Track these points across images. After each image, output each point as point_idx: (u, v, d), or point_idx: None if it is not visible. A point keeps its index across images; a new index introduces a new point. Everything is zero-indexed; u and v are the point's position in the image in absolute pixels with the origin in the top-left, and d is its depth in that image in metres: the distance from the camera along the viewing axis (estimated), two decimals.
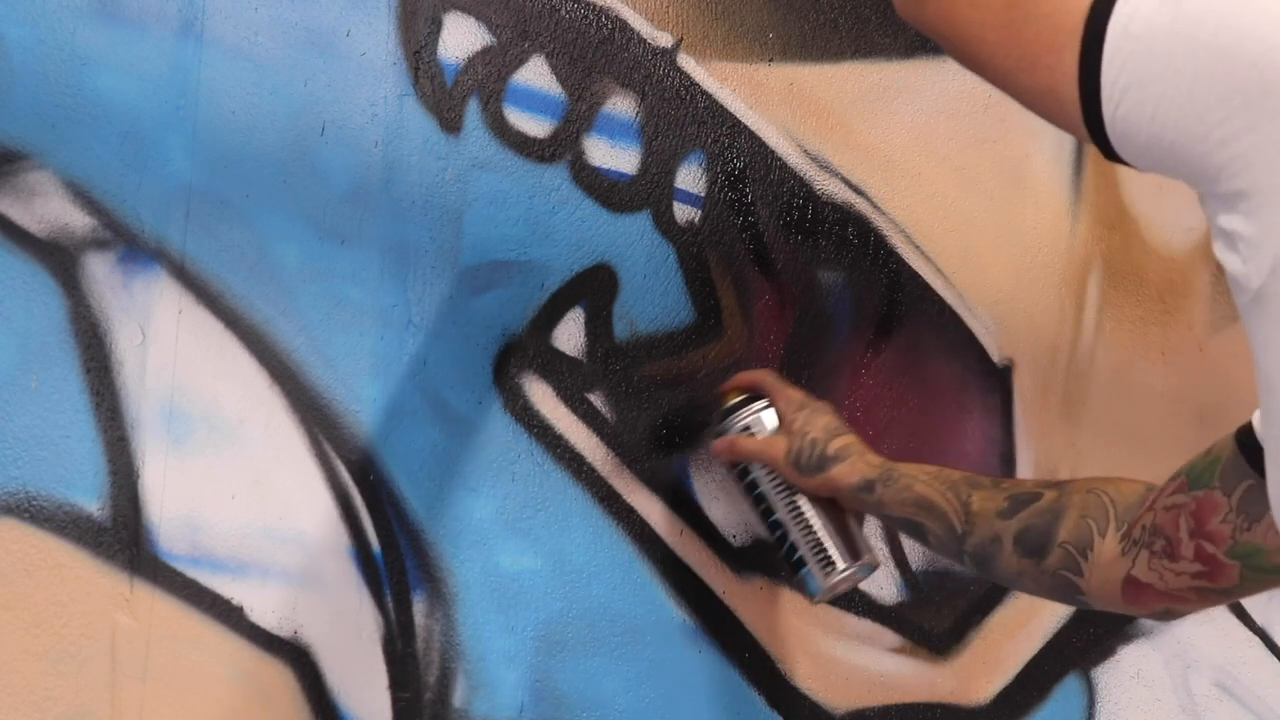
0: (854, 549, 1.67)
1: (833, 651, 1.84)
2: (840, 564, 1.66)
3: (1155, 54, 1.22)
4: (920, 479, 1.63)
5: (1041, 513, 1.56)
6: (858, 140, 1.88)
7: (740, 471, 1.70)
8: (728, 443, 1.70)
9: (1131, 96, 1.23)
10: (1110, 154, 1.28)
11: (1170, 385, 2.11)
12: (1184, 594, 1.49)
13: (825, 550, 1.66)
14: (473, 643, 1.63)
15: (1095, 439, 2.04)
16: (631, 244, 1.73)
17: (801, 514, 1.67)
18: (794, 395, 1.70)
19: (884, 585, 1.87)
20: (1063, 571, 1.54)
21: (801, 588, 1.71)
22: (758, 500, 1.69)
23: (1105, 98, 1.25)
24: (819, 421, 1.68)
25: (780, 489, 1.67)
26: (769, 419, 1.69)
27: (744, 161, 1.80)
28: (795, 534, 1.67)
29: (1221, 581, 1.47)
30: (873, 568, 1.70)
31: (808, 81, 1.84)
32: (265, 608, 1.52)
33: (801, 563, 1.67)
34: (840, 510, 1.68)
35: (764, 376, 1.72)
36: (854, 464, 1.65)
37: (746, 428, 1.69)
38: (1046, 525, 1.55)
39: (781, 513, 1.67)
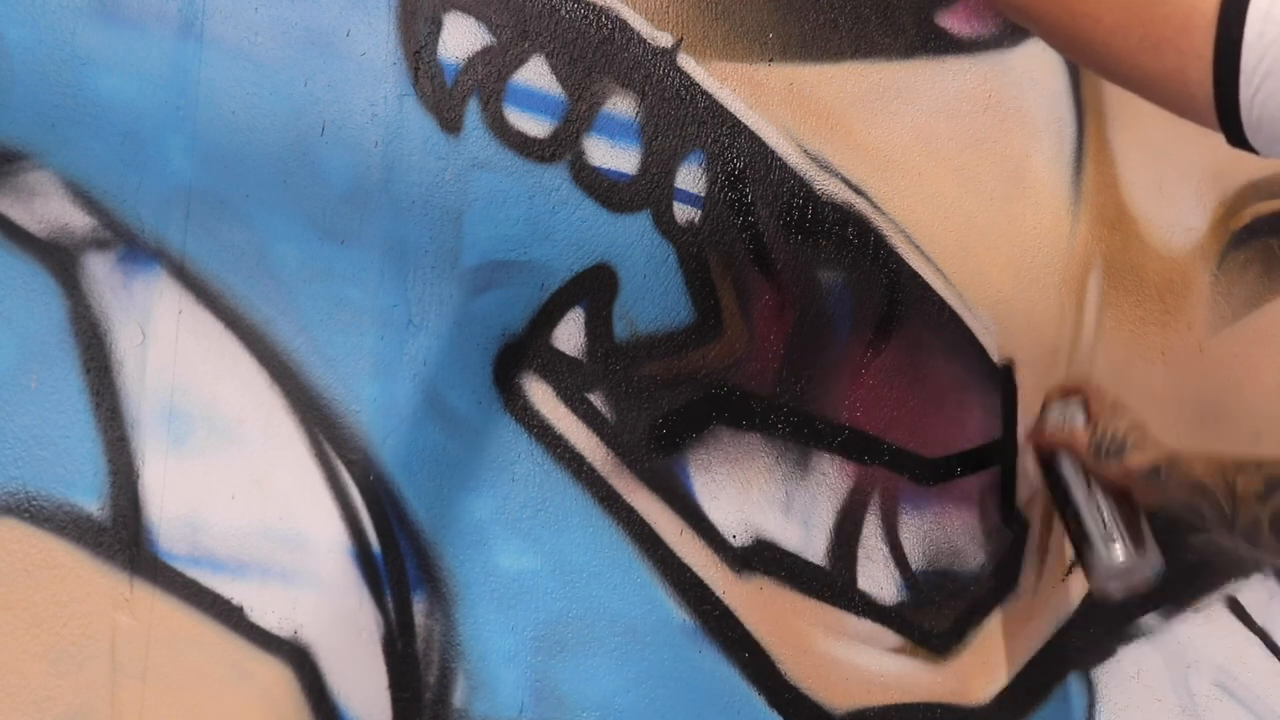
0: (1141, 543, 1.81)
1: (833, 651, 1.84)
2: (1123, 550, 1.79)
3: None
4: (1198, 465, 1.74)
5: None
6: (858, 140, 1.88)
7: (1046, 462, 1.85)
8: (1040, 431, 1.86)
9: (1274, 82, 1.22)
10: (1237, 139, 1.26)
11: (1170, 385, 2.11)
12: None
13: (1113, 536, 1.79)
14: (473, 643, 1.63)
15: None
16: (631, 244, 1.73)
17: (1097, 500, 1.80)
18: (1107, 397, 1.85)
19: (884, 585, 1.87)
20: None
21: (1084, 570, 1.83)
22: (1057, 487, 1.83)
23: (1244, 82, 1.23)
24: (1125, 419, 1.81)
25: (1080, 478, 1.81)
26: (1079, 416, 1.83)
27: (744, 161, 1.80)
28: (1088, 516, 1.81)
29: None
30: (1156, 567, 1.82)
31: (808, 81, 1.84)
32: (265, 608, 1.52)
33: (1089, 542, 1.81)
34: (1134, 508, 1.81)
35: (1084, 383, 1.89)
36: (1146, 452, 1.78)
37: (1061, 418, 1.84)
38: None
39: (1078, 498, 1.81)
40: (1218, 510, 1.70)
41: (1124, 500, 1.81)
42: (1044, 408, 1.87)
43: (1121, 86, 1.40)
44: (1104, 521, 1.79)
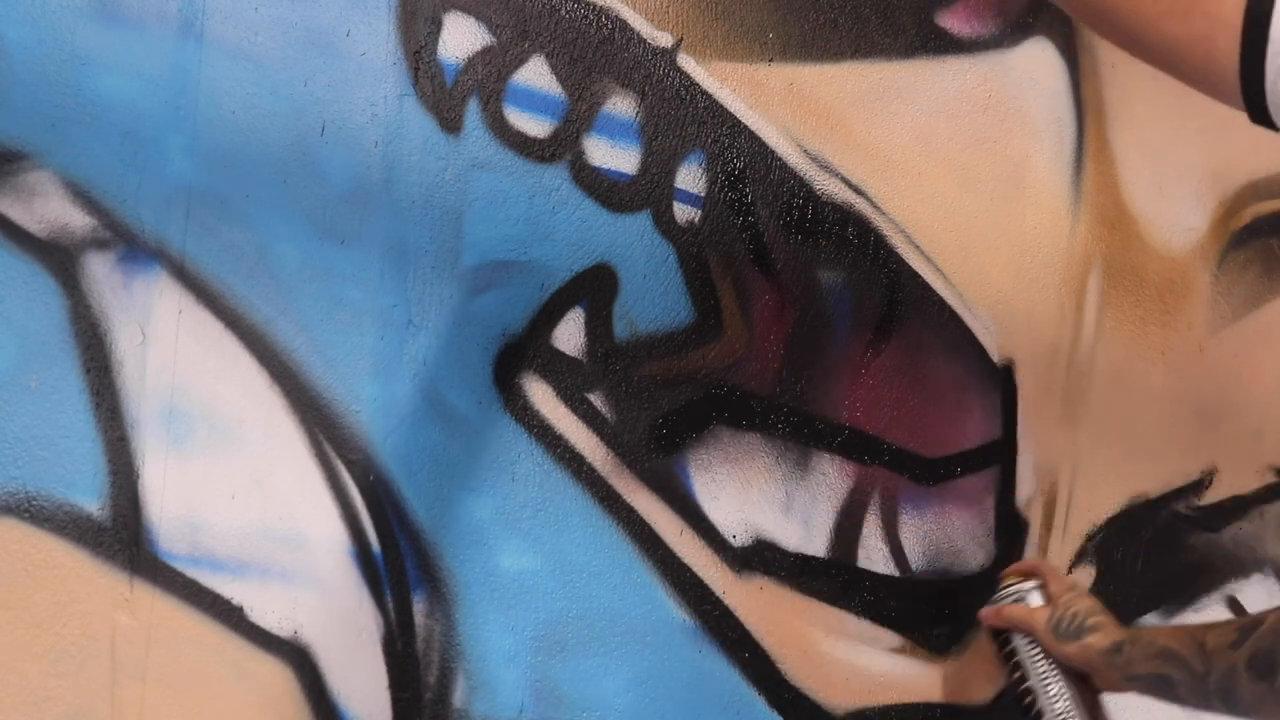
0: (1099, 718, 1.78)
1: (833, 651, 1.84)
2: None
3: None
4: (1163, 633, 1.73)
5: (1266, 634, 1.60)
6: (858, 140, 1.88)
7: (1003, 640, 1.81)
8: (995, 609, 1.81)
9: None
10: (1260, 114, 1.24)
11: (1170, 385, 2.11)
12: None
13: (1070, 716, 1.76)
14: (473, 643, 1.63)
15: (1095, 439, 2.04)
16: (631, 244, 1.73)
17: (1055, 683, 1.77)
18: (1065, 578, 1.83)
19: (884, 585, 1.87)
20: None
21: None
22: (1014, 668, 1.80)
23: (1272, 53, 1.22)
24: (1084, 601, 1.78)
25: (1035, 658, 1.78)
26: (1036, 597, 1.81)
27: (744, 161, 1.80)
28: (1044, 700, 1.77)
29: None
30: None
31: (808, 81, 1.84)
32: (265, 608, 1.52)
33: None
34: (1092, 693, 1.78)
35: (1040, 563, 1.88)
36: (1107, 632, 1.74)
37: (1015, 599, 1.81)
38: (1272, 645, 1.59)
39: (1034, 680, 1.78)
40: (1188, 673, 1.66)
41: (1083, 683, 1.77)
42: (1000, 585, 1.83)
43: (1141, 56, 1.37)
44: (1062, 706, 1.76)
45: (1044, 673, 1.77)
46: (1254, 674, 1.60)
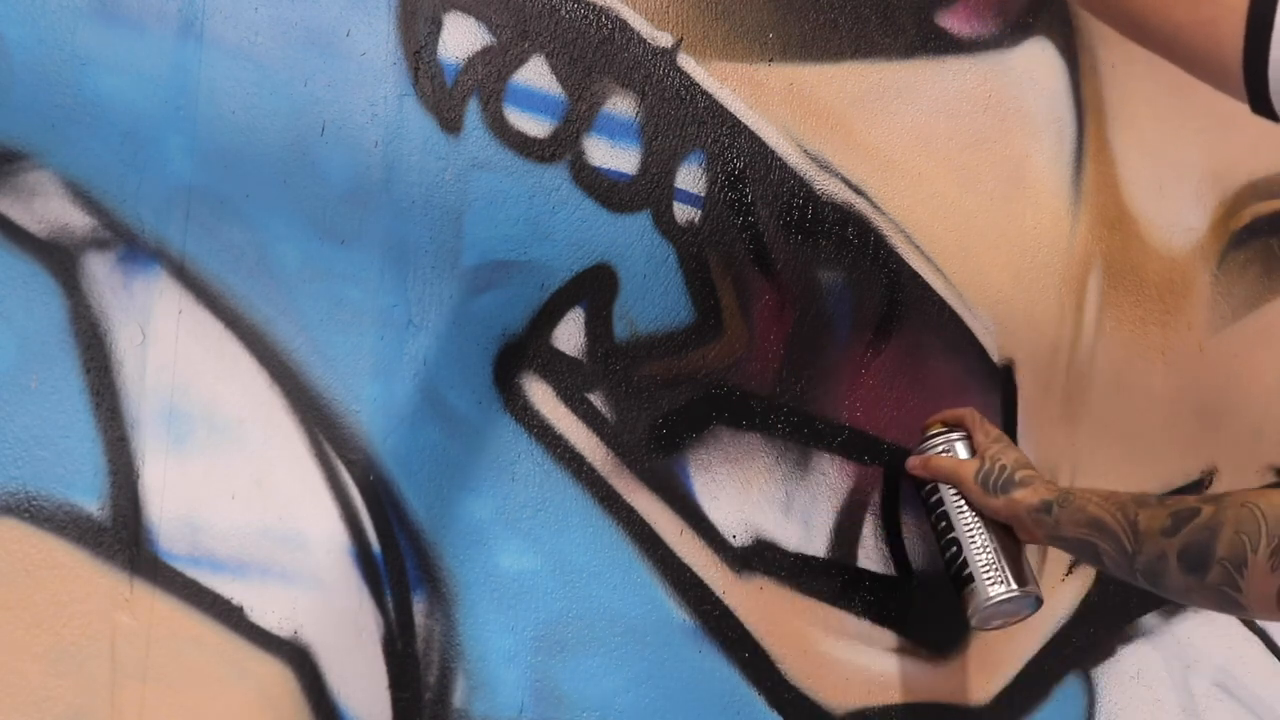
0: (1022, 576, 1.77)
1: (833, 651, 1.84)
2: (1007, 585, 1.76)
3: None
4: (1093, 501, 1.69)
5: (1200, 529, 1.59)
6: (858, 140, 1.88)
7: (929, 490, 1.82)
8: (922, 459, 1.82)
9: None
10: (1261, 104, 1.24)
11: (1170, 385, 2.11)
12: None
13: (996, 569, 1.76)
14: (473, 643, 1.63)
15: (1095, 439, 2.04)
16: (631, 244, 1.73)
17: (980, 533, 1.77)
18: (991, 430, 1.82)
19: (884, 585, 1.87)
20: (1223, 587, 1.58)
21: (964, 604, 1.79)
22: (938, 519, 1.80)
23: (1276, 41, 1.21)
24: (1010, 454, 1.78)
25: (962, 509, 1.79)
26: (963, 448, 1.81)
27: (744, 161, 1.80)
28: (969, 551, 1.77)
29: None
30: (1037, 600, 1.79)
31: (808, 81, 1.84)
32: (265, 608, 1.52)
33: (969, 579, 1.77)
34: (1015, 541, 1.78)
35: (966, 413, 1.84)
36: (1035, 488, 1.74)
37: (943, 450, 1.81)
38: (1205, 541, 1.59)
39: (960, 531, 1.78)
40: (1117, 547, 1.66)
41: (1006, 534, 1.77)
42: (924, 435, 1.83)
43: (1143, 42, 1.37)
44: (987, 560, 1.76)
45: (969, 525, 1.77)
46: (1184, 566, 1.60)
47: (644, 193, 1.74)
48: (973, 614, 1.78)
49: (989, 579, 1.76)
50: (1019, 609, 1.79)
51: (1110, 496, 1.69)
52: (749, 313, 1.79)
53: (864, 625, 1.86)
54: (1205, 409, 2.14)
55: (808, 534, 1.82)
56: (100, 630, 1.45)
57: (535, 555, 1.66)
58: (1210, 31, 1.26)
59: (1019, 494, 1.75)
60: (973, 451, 1.80)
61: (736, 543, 1.78)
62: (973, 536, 1.77)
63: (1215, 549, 1.58)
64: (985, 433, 1.81)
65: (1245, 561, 1.56)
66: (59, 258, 1.45)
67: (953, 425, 1.83)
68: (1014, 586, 1.76)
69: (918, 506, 1.88)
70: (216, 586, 1.50)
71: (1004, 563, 1.76)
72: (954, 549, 1.78)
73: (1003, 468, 1.77)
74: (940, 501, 1.80)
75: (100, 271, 1.47)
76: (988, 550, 1.76)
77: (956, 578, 1.79)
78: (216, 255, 1.52)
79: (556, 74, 1.69)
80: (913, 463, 1.83)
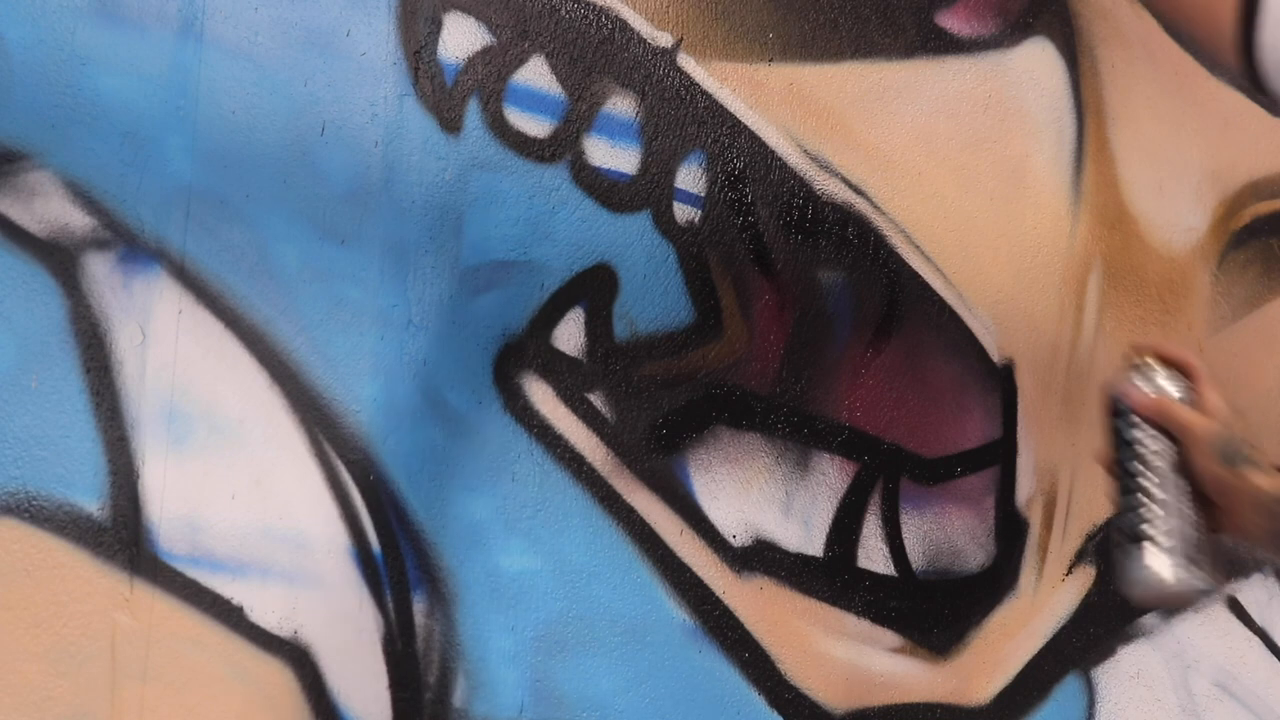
0: (1208, 560, 1.51)
1: (833, 651, 1.84)
2: (1190, 564, 1.49)
3: None
4: None
5: None
6: (858, 140, 1.88)
7: (1126, 424, 1.57)
8: (1160, 402, 1.57)
9: None
10: (1249, 72, 1.24)
11: None
12: None
13: (1185, 544, 1.50)
14: (473, 643, 1.63)
15: (1095, 439, 2.04)
16: (631, 244, 1.73)
17: (1179, 498, 1.52)
18: (1217, 391, 1.59)
19: (884, 586, 1.87)
20: None
21: (1125, 564, 1.53)
22: (1131, 458, 1.55)
23: (1267, 22, 1.22)
24: (1239, 428, 1.57)
25: (1165, 462, 1.54)
26: (1173, 390, 1.58)
27: (744, 161, 1.80)
28: (1158, 513, 1.51)
29: None
30: (1209, 591, 1.54)
31: (808, 81, 1.84)
32: (265, 608, 1.52)
33: (1143, 539, 1.51)
34: (1208, 526, 1.53)
35: (1192, 359, 1.62)
36: (1272, 476, 1.52)
37: (1184, 398, 1.57)
38: None
39: (1164, 490, 1.53)
40: None
41: (1204, 514, 1.52)
42: (1150, 367, 1.59)
43: (1149, 10, 1.37)
44: (1179, 531, 1.51)
45: (1169, 484, 1.53)
46: None
47: (644, 193, 1.74)
48: (1133, 575, 1.51)
49: (1169, 550, 1.50)
50: (1188, 595, 1.52)
51: None
52: (749, 313, 1.79)
53: (864, 625, 1.86)
54: None
55: (808, 534, 1.82)
56: (100, 630, 1.45)
57: (535, 555, 1.66)
58: (1206, 12, 1.27)
59: (1256, 474, 1.51)
60: (1192, 399, 1.57)
61: (736, 543, 1.78)
62: (1178, 499, 1.52)
63: None
64: (1215, 393, 1.59)
65: None
66: (59, 258, 1.45)
67: (1174, 366, 1.60)
68: (1193, 570, 1.50)
69: (918, 506, 1.88)
70: (216, 586, 1.50)
71: (1195, 539, 1.51)
72: (1133, 499, 1.53)
73: (1243, 441, 1.54)
74: (1138, 445, 1.55)
75: (100, 271, 1.47)
76: (1185, 517, 1.52)
77: (1128, 532, 1.52)
78: (216, 255, 1.52)
79: (556, 74, 1.69)
80: (1145, 401, 1.58)
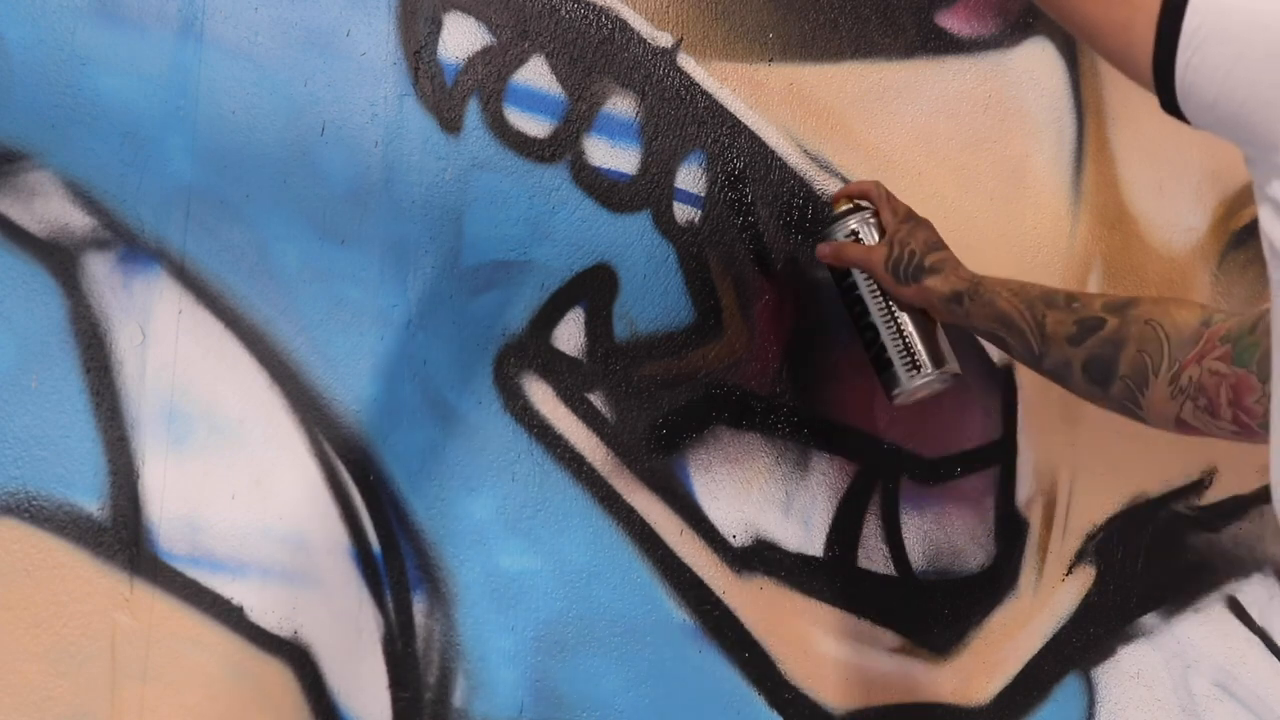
0: (939, 356, 1.77)
1: (833, 651, 1.84)
2: (926, 367, 1.75)
3: (1241, 9, 1.20)
4: (1003, 295, 1.71)
5: (1104, 343, 1.64)
6: (858, 140, 1.88)
7: (840, 275, 1.78)
8: (833, 247, 1.77)
9: (1210, 48, 1.22)
10: (1169, 105, 1.26)
11: None
12: (1228, 438, 1.60)
13: (914, 353, 1.75)
14: (473, 643, 1.63)
15: (1095, 439, 2.04)
16: (631, 244, 1.73)
17: (895, 319, 1.76)
18: (899, 207, 1.78)
19: (884, 586, 1.87)
20: (1125, 401, 1.64)
21: (886, 389, 1.77)
22: (854, 303, 1.78)
23: (1183, 44, 1.24)
24: (919, 235, 1.75)
25: (876, 294, 1.76)
26: (871, 231, 1.77)
27: (744, 161, 1.80)
28: (886, 337, 1.76)
29: (1257, 440, 1.54)
30: (954, 376, 1.78)
31: (808, 81, 1.84)
32: (265, 608, 1.52)
33: (888, 364, 1.76)
34: (930, 321, 1.77)
35: (872, 187, 1.79)
36: (947, 276, 1.73)
37: (853, 234, 1.77)
38: (1109, 357, 1.63)
39: (876, 316, 1.76)
40: (1023, 345, 1.69)
41: (921, 315, 1.76)
42: (832, 214, 1.78)
43: (1071, 32, 1.40)
44: (905, 344, 1.75)
45: (883, 310, 1.75)
46: (1088, 377, 1.65)
47: (644, 193, 1.74)
48: (896, 396, 1.77)
49: (906, 364, 1.75)
50: (938, 386, 1.78)
51: (1020, 291, 1.70)
52: (749, 313, 1.79)
53: (864, 625, 1.86)
54: None
55: (808, 534, 1.82)
56: (100, 630, 1.46)
57: (535, 555, 1.66)
58: (1124, 36, 1.28)
59: (930, 281, 1.72)
60: (882, 231, 1.76)
61: (736, 543, 1.78)
62: (888, 322, 1.75)
63: (1118, 365, 1.63)
64: (893, 211, 1.77)
65: (1146, 382, 1.61)
66: (59, 258, 1.45)
67: (859, 202, 1.78)
68: (931, 370, 1.75)
69: (918, 506, 1.88)
70: (216, 586, 1.50)
71: (920, 345, 1.75)
72: (870, 333, 1.76)
73: (912, 253, 1.74)
74: (854, 285, 1.77)
75: (100, 271, 1.47)
76: (905, 335, 1.75)
77: (877, 361, 1.77)
78: (216, 255, 1.52)
79: (556, 74, 1.69)
80: (824, 250, 1.78)
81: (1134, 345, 1.62)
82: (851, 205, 1.78)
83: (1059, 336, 1.67)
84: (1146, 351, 1.61)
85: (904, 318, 1.75)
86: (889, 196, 1.78)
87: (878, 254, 1.74)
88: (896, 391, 1.77)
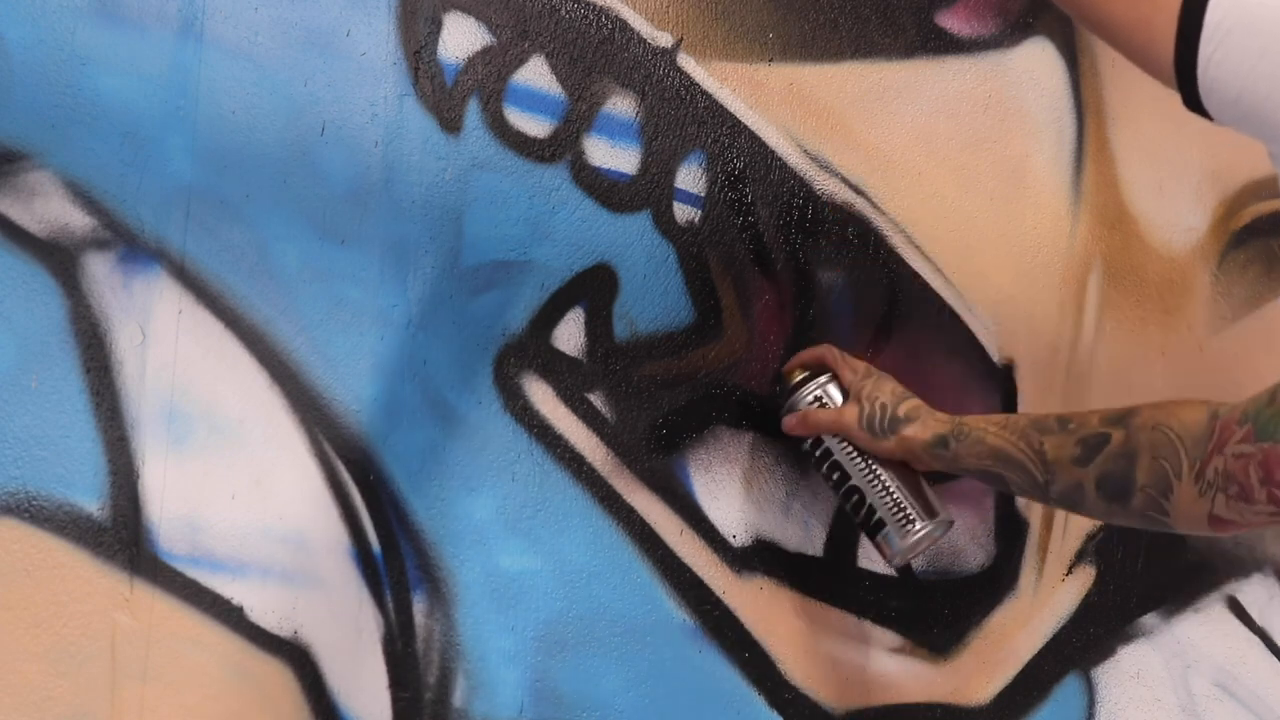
0: (930, 508, 1.72)
1: (833, 651, 1.84)
2: (919, 523, 1.71)
3: (1264, 3, 1.20)
4: (991, 431, 1.66)
5: (1114, 458, 1.58)
6: (858, 140, 1.88)
7: (813, 444, 1.74)
8: (800, 417, 1.74)
9: (1234, 41, 1.21)
10: (1192, 101, 1.26)
11: (1170, 385, 2.11)
12: (1266, 523, 1.52)
13: (904, 510, 1.70)
14: (473, 643, 1.63)
15: None
16: (631, 244, 1.73)
17: (878, 477, 1.71)
18: (857, 365, 1.75)
19: (884, 586, 1.87)
20: (1149, 512, 1.57)
21: (881, 551, 1.73)
22: (832, 470, 1.73)
23: (1205, 39, 1.23)
24: (885, 387, 1.72)
25: (854, 456, 1.72)
26: (835, 391, 1.74)
27: (744, 161, 1.80)
28: (873, 498, 1.71)
29: None
30: (949, 524, 1.74)
31: (808, 81, 1.84)
32: (265, 608, 1.52)
33: (880, 525, 1.71)
34: (913, 473, 1.72)
35: (825, 351, 1.76)
36: (925, 422, 1.69)
37: (817, 400, 1.73)
38: (1123, 471, 1.57)
39: (858, 479, 1.72)
40: (1026, 478, 1.63)
41: (903, 469, 1.71)
42: (788, 385, 1.74)
43: (1090, 30, 1.39)
44: (893, 502, 1.70)
45: (864, 471, 1.71)
46: (1104, 494, 1.59)
47: (644, 193, 1.74)
48: (892, 558, 1.73)
49: (900, 522, 1.70)
50: (936, 536, 1.74)
51: (1007, 424, 1.66)
52: (749, 313, 1.79)
53: (864, 625, 1.86)
54: None
55: (808, 534, 1.82)
56: (100, 630, 1.46)
57: (535, 555, 1.66)
58: (1146, 30, 1.28)
59: (908, 430, 1.69)
60: (845, 393, 1.73)
61: (736, 543, 1.78)
62: (872, 482, 1.71)
63: (1135, 477, 1.56)
64: (852, 369, 1.74)
65: (1170, 487, 1.54)
66: (59, 258, 1.45)
67: (814, 368, 1.74)
68: (927, 522, 1.70)
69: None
70: (216, 586, 1.50)
71: (910, 499, 1.70)
72: (855, 497, 1.72)
73: (884, 406, 1.70)
74: (828, 453, 1.73)
75: (100, 271, 1.47)
76: (891, 493, 1.70)
77: (866, 525, 1.72)
78: (216, 255, 1.51)
79: (556, 74, 1.69)
80: (790, 423, 1.74)
81: (1147, 454, 1.56)
82: (806, 373, 1.74)
83: (1064, 460, 1.61)
84: (1162, 457, 1.54)
85: (887, 475, 1.71)
86: (843, 356, 1.75)
87: (849, 414, 1.71)
88: (894, 552, 1.72)
